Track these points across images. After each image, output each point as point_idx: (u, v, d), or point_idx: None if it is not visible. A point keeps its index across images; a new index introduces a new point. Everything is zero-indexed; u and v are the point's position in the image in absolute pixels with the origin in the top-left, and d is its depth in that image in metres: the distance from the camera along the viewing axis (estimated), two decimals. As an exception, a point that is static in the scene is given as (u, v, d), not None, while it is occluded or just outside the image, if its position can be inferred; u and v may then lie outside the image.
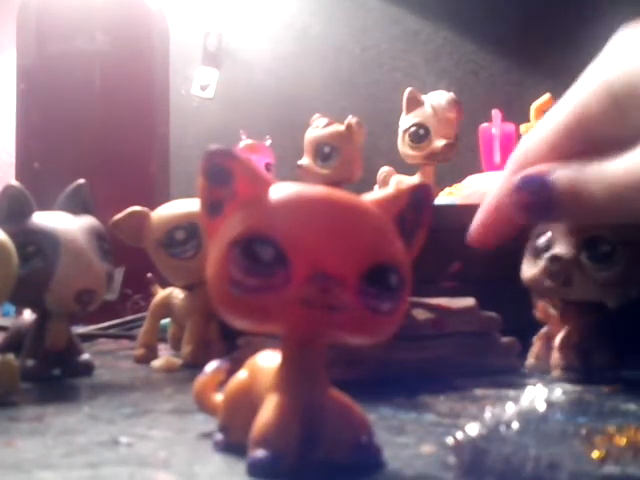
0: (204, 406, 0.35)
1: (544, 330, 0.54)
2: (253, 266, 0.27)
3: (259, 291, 0.27)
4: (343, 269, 0.27)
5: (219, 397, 0.34)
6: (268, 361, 0.31)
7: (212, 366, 0.36)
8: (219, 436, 0.32)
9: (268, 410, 0.28)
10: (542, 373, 0.52)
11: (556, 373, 0.50)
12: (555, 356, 0.50)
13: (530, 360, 0.54)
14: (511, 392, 0.45)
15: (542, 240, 0.50)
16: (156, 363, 0.57)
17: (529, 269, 0.50)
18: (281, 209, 0.28)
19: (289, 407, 0.28)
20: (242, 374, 0.33)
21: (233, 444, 0.31)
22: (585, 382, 0.48)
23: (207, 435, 0.34)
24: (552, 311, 0.53)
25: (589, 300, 0.49)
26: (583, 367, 0.49)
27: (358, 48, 1.35)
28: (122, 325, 0.78)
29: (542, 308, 0.54)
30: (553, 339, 0.51)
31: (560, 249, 0.48)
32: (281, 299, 0.27)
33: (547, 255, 0.48)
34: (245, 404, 0.31)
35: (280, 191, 0.28)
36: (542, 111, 0.87)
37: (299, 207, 0.28)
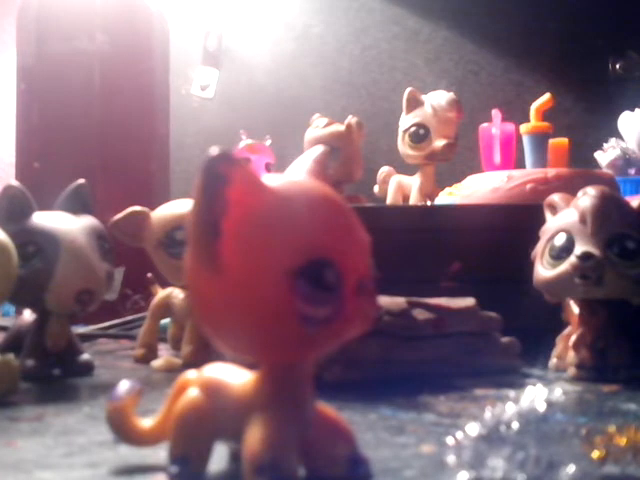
0: (126, 435, 0.30)
1: (566, 331, 0.53)
2: (322, 294, 0.24)
3: (331, 320, 0.24)
4: (367, 270, 0.26)
5: (146, 422, 0.30)
6: (226, 377, 0.28)
7: (124, 388, 0.31)
8: (174, 469, 0.28)
9: (263, 433, 0.25)
10: (563, 372, 0.51)
11: (571, 371, 0.50)
12: (570, 355, 0.50)
13: (553, 360, 0.53)
14: (511, 392, 0.45)
15: (560, 240, 0.48)
16: (156, 363, 0.57)
17: (547, 270, 0.49)
18: (326, 224, 0.25)
19: (286, 427, 0.26)
20: (192, 393, 0.29)
21: (195, 475, 0.28)
22: (599, 380, 0.48)
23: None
24: (577, 311, 0.52)
25: (617, 298, 0.49)
26: (597, 365, 0.49)
27: (358, 48, 1.35)
28: (122, 325, 0.78)
29: (569, 309, 0.53)
30: None
31: (588, 247, 0.47)
32: (345, 320, 0.24)
33: (577, 253, 0.47)
34: (206, 428, 0.28)
35: (302, 202, 0.25)
36: (542, 111, 0.87)
37: (336, 219, 0.25)
